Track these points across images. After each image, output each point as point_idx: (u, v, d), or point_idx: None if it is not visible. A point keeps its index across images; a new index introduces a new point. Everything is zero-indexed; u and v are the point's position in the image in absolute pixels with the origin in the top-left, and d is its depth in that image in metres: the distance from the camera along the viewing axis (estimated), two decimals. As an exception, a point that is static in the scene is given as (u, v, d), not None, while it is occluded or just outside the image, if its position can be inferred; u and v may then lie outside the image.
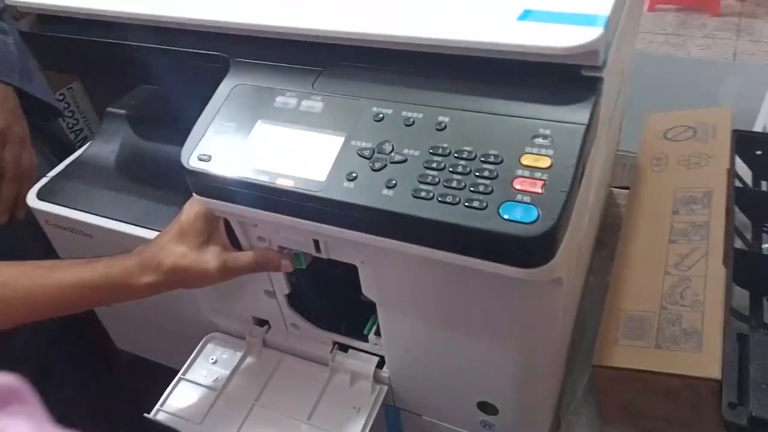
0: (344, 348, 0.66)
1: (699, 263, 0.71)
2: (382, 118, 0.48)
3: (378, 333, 0.62)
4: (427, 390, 0.62)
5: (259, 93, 0.52)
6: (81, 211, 0.70)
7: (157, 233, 0.67)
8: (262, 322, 0.70)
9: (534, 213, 0.40)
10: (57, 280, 0.53)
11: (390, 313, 0.57)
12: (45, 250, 0.78)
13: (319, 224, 0.48)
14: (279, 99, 0.52)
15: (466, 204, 0.41)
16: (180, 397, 0.66)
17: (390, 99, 0.48)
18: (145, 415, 0.64)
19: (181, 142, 0.77)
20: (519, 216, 0.40)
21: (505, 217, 0.40)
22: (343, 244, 0.51)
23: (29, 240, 0.80)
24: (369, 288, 0.56)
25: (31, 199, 0.73)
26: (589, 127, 0.43)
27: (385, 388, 0.64)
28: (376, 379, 0.64)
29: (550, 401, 0.62)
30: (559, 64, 0.45)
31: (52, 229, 0.73)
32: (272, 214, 0.49)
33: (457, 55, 0.48)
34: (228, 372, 0.67)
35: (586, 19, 0.46)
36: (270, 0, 0.56)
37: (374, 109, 0.48)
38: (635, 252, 0.76)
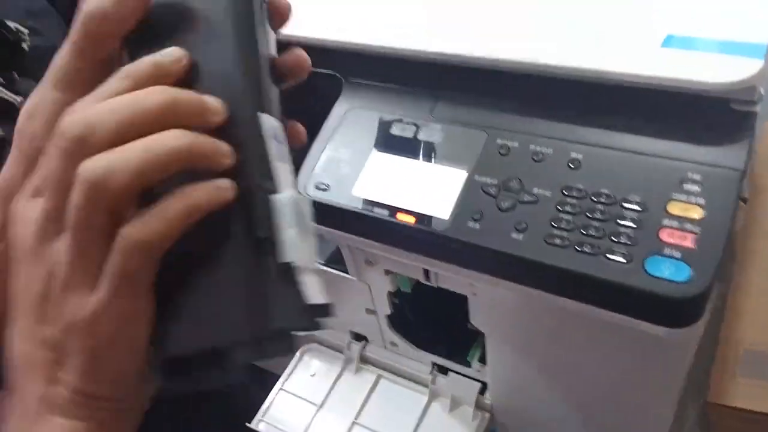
0: (443, 369, 0.65)
1: (831, 294, 0.65)
2: (508, 152, 0.45)
3: (482, 360, 0.60)
4: (533, 420, 0.60)
5: (373, 119, 0.51)
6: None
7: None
8: (359, 337, 0.70)
9: (686, 271, 0.37)
10: None
11: (499, 345, 0.55)
12: None
13: (437, 262, 0.46)
14: (395, 126, 0.50)
15: (607, 255, 0.39)
16: (280, 409, 0.67)
17: (516, 130, 0.46)
18: (247, 424, 0.65)
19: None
20: (668, 273, 0.37)
21: (653, 273, 0.37)
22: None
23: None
24: (478, 319, 0.54)
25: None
26: (745, 172, 0.39)
27: (488, 416, 0.62)
28: (478, 406, 0.62)
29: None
30: (706, 97, 0.42)
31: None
32: (389, 247, 0.48)
33: (589, 83, 0.45)
34: (327, 386, 0.67)
35: (741, 49, 0.41)
36: (388, 19, 0.54)
37: (498, 140, 0.46)
38: (756, 278, 0.70)
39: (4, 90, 0.64)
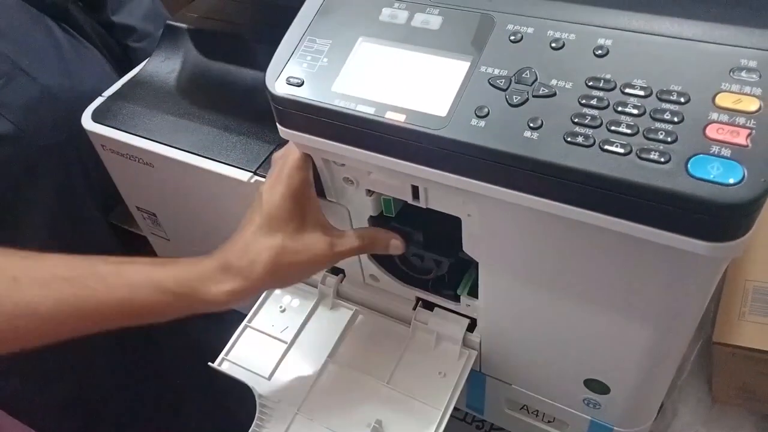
0: (428, 306, 0.59)
1: None
2: (521, 39, 0.38)
3: (472, 293, 0.54)
4: (525, 360, 0.55)
5: (359, 3, 0.43)
6: (140, 136, 0.63)
7: (223, 165, 0.60)
8: (336, 271, 0.63)
9: (739, 171, 0.30)
10: (126, 280, 0.44)
11: (495, 275, 0.49)
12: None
13: (432, 170, 0.39)
14: (385, 11, 0.42)
15: (641, 155, 0.32)
16: (246, 347, 0.60)
17: (530, 14, 0.38)
18: (210, 364, 0.59)
19: (249, 63, 0.68)
20: (716, 174, 0.30)
21: (697, 174, 0.31)
22: (448, 192, 0.43)
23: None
24: (472, 245, 0.48)
25: (86, 121, 0.66)
26: (809, 59, 0.33)
27: (475, 353, 0.57)
28: (465, 343, 0.57)
29: (670, 379, 0.54)
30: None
31: (108, 155, 0.67)
32: (375, 154, 0.41)
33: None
34: (298, 323, 0.61)
35: None
36: None
37: (509, 26, 0.38)
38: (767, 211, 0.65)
39: None
